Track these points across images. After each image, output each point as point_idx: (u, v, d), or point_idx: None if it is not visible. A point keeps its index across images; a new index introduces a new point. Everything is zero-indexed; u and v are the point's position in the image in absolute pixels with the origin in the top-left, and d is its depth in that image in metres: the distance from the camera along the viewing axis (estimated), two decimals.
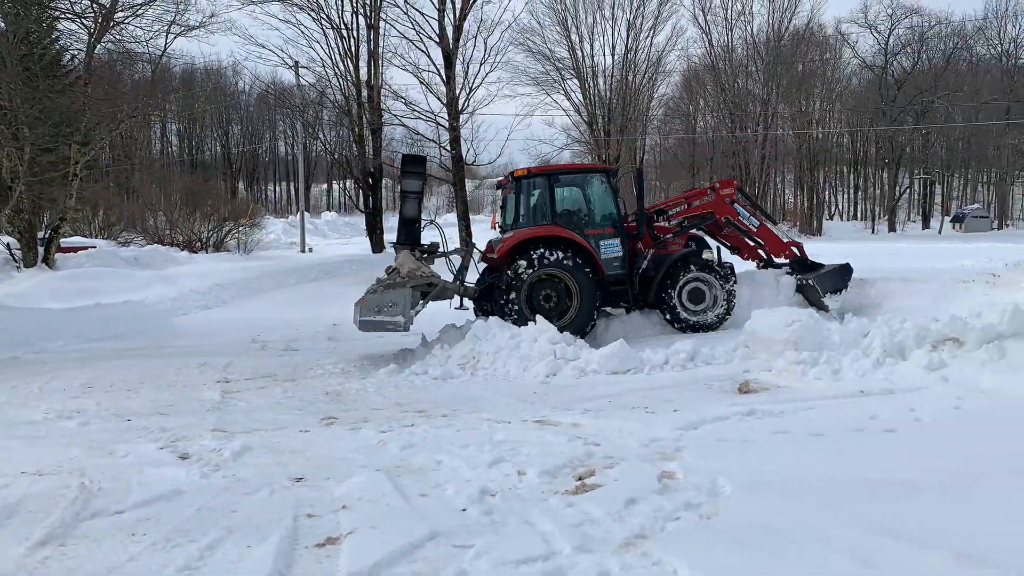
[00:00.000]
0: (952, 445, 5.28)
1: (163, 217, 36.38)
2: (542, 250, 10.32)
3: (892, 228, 55.01)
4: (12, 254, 24.52)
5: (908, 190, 60.89)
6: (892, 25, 54.45)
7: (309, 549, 3.91)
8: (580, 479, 4.92)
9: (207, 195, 39.34)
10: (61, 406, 7.72)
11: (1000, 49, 59.02)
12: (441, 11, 28.11)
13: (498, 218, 11.61)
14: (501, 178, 12.30)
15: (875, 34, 55.52)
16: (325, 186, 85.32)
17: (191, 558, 3.77)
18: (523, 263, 10.31)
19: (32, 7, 22.92)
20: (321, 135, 36.89)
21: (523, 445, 5.71)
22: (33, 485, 5.00)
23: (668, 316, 10.69)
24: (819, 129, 56.68)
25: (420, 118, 29.57)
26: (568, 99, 50.24)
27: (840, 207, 74.02)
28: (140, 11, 25.05)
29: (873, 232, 54.90)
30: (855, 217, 68.70)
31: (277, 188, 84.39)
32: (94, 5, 24.04)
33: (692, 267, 10.65)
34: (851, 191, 71.30)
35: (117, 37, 25.25)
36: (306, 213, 42.90)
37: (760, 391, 7.50)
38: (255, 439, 6.17)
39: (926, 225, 57.62)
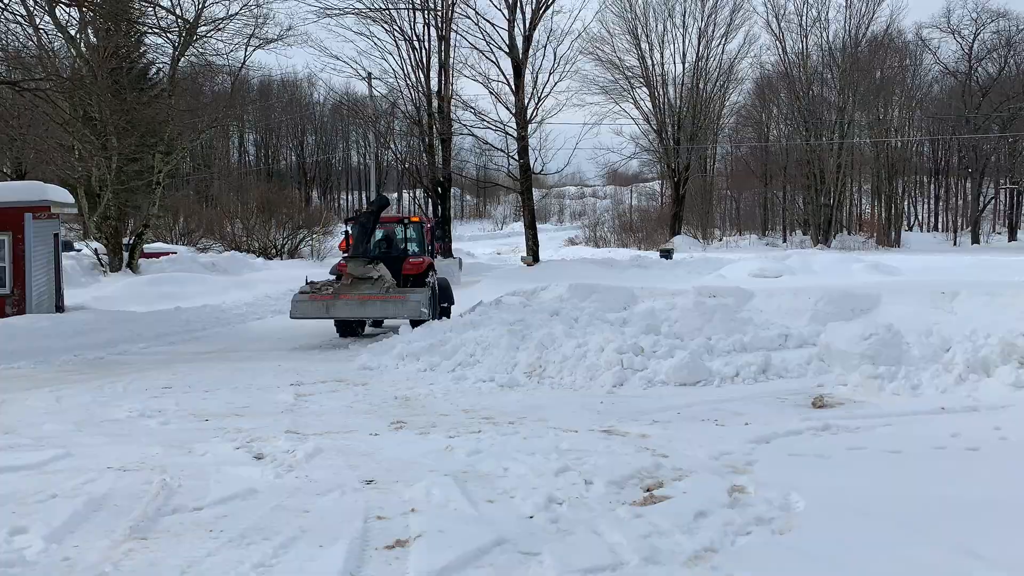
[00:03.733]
0: None
1: (240, 224, 37.58)
2: None
3: (975, 240, 52.89)
4: (99, 259, 25.64)
5: (993, 200, 58.50)
6: (977, 30, 52.53)
7: (379, 551, 3.97)
8: (648, 490, 4.87)
9: (282, 203, 40.48)
10: (143, 405, 8.01)
11: None
12: (511, 22, 28.36)
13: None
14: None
15: (958, 39, 53.63)
16: (396, 195, 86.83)
17: (266, 556, 3.87)
18: None
19: (122, 23, 24.03)
20: (392, 145, 37.51)
21: (589, 455, 5.68)
22: (118, 481, 5.20)
23: None
24: (898, 137, 54.98)
25: (489, 128, 29.82)
26: (637, 108, 50.01)
27: (920, 218, 71.60)
28: (222, 25, 26.05)
29: (955, 244, 52.89)
30: (936, 228, 66.31)
31: (350, 197, 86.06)
32: (179, 20, 25.10)
33: None
34: (932, 201, 68.93)
35: (200, 50, 26.29)
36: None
37: (835, 406, 7.31)
38: (327, 441, 6.30)
39: (1012, 237, 55.23)
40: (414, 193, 41.87)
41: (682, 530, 4.15)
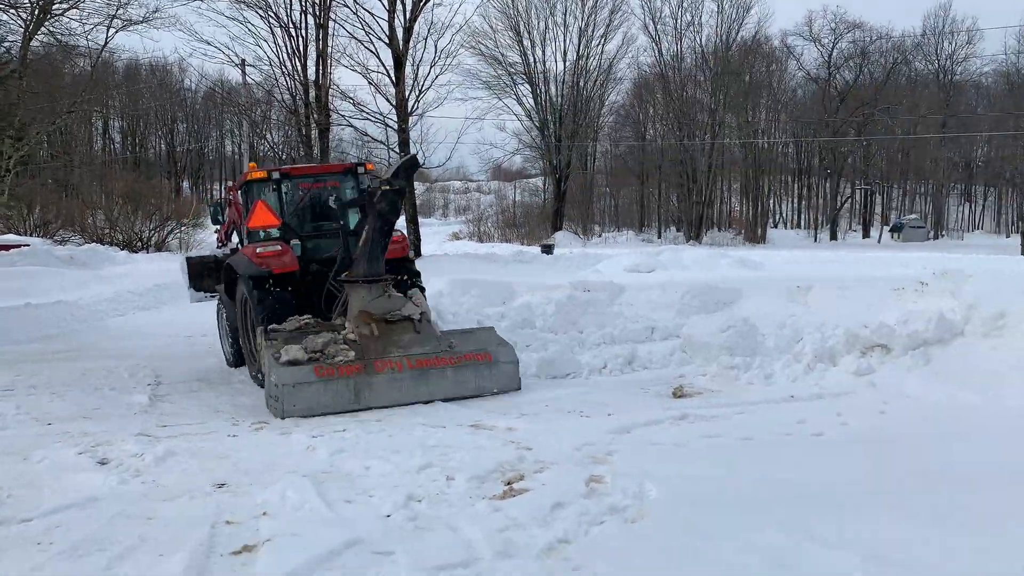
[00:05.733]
0: (875, 450, 5.39)
1: (102, 216, 35.47)
2: None
3: (833, 237, 56.39)
4: None
5: (849, 200, 62.44)
6: (835, 39, 55.88)
7: (224, 557, 3.81)
8: (509, 484, 4.89)
9: (149, 194, 38.46)
10: None
11: (937, 65, 60.95)
12: (391, 12, 27.90)
13: None
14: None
15: (819, 47, 56.90)
16: None
17: (98, 568, 3.63)
18: None
19: None
20: (269, 135, 36.25)
21: (455, 450, 5.65)
22: None
23: None
24: (764, 139, 57.79)
25: (369, 119, 29.29)
26: (519, 104, 50.49)
27: (784, 216, 75.59)
28: (78, 3, 24.41)
29: (816, 241, 56.16)
30: (799, 226, 70.16)
31: (223, 188, 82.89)
32: None
33: None
34: (795, 200, 72.86)
35: (53, 29, 24.56)
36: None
37: (694, 395, 7.58)
38: (181, 444, 6.00)
39: (866, 234, 59.17)
40: None
41: (538, 522, 4.18)
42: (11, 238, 31.43)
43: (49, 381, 9.22)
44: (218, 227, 11.85)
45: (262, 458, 5.61)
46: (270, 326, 8.09)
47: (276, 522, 4.24)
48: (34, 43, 24.94)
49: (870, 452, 5.32)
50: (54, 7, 23.97)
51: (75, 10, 24.51)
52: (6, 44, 27.70)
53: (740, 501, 4.41)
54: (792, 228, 69.82)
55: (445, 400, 7.55)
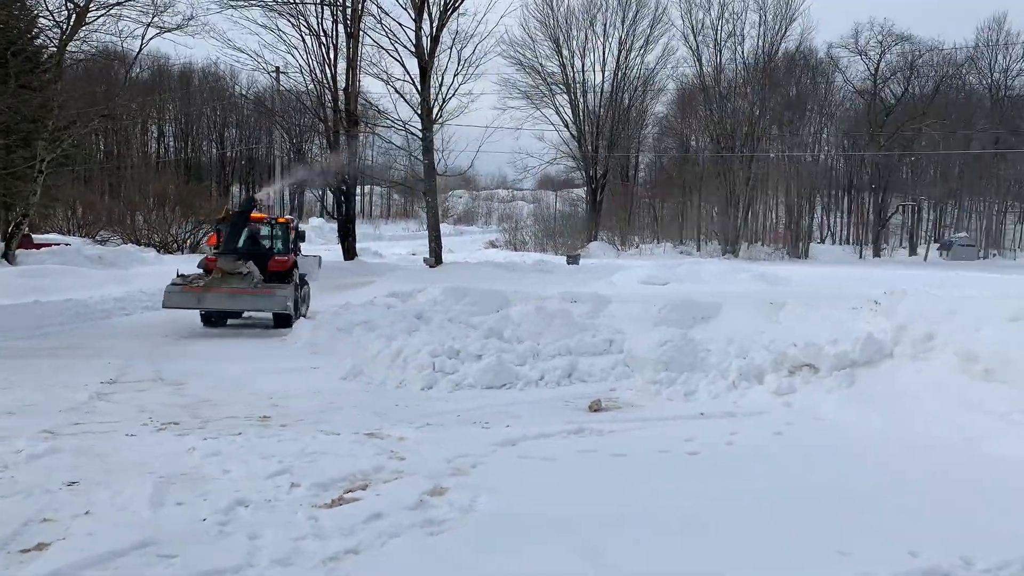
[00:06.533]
0: (736, 472, 5.23)
1: (141, 218, 36.57)
2: None
3: (877, 253, 54.88)
4: None
5: (896, 215, 60.75)
6: (882, 51, 54.51)
7: (12, 554, 3.87)
8: (348, 492, 4.88)
9: (193, 196, 39.55)
10: None
11: (991, 79, 58.97)
12: (418, 23, 28.22)
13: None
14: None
15: (865, 60, 55.57)
16: (320, 191, 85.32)
17: None
18: None
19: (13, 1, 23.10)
20: (317, 141, 37.05)
21: (325, 456, 5.65)
22: None
23: None
24: (808, 153, 56.62)
25: (394, 127, 29.64)
26: (558, 114, 50.51)
27: (832, 230, 73.92)
28: (114, 11, 25.28)
29: (860, 257, 54.76)
30: (846, 241, 68.50)
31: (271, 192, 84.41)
32: (68, 4, 24.30)
33: None
34: (844, 215, 71.19)
35: (89, 37, 25.46)
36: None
37: (612, 409, 7.46)
38: (72, 442, 6.12)
39: (912, 252, 57.47)
40: (322, 192, 41.35)
41: (343, 532, 4.16)
42: (55, 237, 32.60)
43: (12, 377, 9.48)
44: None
45: (137, 458, 5.68)
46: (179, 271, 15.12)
47: (90, 521, 4.29)
48: (73, 49, 25.90)
49: (730, 473, 5.16)
50: (90, 15, 24.90)
51: (110, 17, 25.41)
52: (47, 51, 28.80)
53: (561, 520, 4.32)
54: (839, 244, 68.20)
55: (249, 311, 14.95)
